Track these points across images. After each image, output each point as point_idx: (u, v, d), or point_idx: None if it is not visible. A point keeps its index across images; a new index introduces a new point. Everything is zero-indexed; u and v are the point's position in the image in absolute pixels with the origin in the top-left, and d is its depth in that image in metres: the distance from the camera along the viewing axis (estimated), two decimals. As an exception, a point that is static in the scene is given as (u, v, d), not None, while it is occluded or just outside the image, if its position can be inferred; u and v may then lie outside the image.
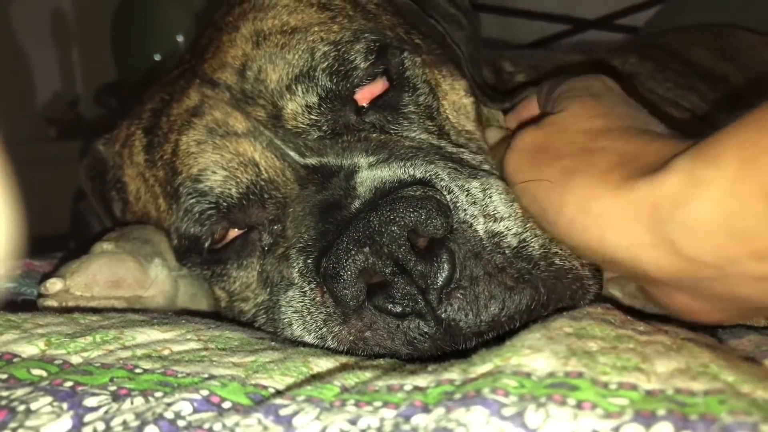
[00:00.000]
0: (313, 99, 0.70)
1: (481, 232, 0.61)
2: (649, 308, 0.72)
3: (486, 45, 1.03)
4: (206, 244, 0.73)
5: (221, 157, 0.71)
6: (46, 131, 3.02)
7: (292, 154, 0.69)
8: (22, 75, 3.07)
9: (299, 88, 0.71)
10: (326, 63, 0.71)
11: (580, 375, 0.40)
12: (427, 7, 0.85)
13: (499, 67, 1.02)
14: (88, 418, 0.42)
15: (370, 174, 0.65)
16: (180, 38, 2.47)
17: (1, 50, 2.97)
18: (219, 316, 0.74)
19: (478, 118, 0.82)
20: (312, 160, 0.68)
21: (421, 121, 0.75)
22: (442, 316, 0.58)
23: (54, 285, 0.63)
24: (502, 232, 0.61)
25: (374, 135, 0.71)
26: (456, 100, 0.80)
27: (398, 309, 0.58)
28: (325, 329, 0.61)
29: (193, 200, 0.71)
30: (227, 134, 0.71)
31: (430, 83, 0.78)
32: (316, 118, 0.71)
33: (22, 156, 2.62)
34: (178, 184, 0.73)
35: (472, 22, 0.90)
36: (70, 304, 0.63)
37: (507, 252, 0.61)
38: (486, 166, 0.72)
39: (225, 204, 0.70)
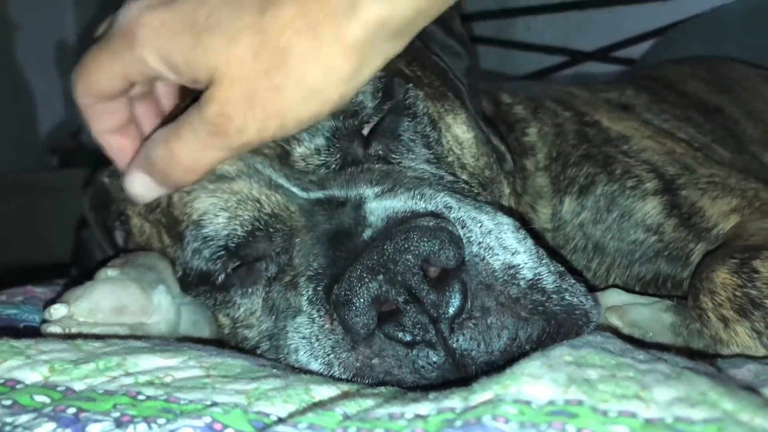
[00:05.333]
0: (320, 141, 0.71)
1: (495, 264, 0.61)
2: (648, 337, 0.72)
3: (484, 77, 1.05)
4: (219, 280, 0.73)
5: (218, 199, 0.71)
6: (48, 160, 3.03)
7: (294, 190, 0.70)
8: (25, 104, 3.09)
9: (303, 134, 0.71)
10: None
11: (579, 403, 0.41)
12: (426, 39, 0.85)
13: (498, 98, 1.03)
14: (91, 444, 0.42)
15: (380, 204, 0.66)
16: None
17: (5, 79, 2.99)
18: (221, 343, 0.74)
19: (483, 152, 0.82)
20: (317, 194, 0.69)
21: (418, 149, 0.76)
22: (453, 345, 0.58)
23: (58, 311, 0.64)
24: (518, 265, 0.62)
25: (377, 166, 0.72)
26: (459, 134, 0.81)
27: (409, 337, 0.58)
28: (332, 356, 0.61)
29: (200, 244, 0.72)
30: (217, 179, 0.71)
31: (432, 116, 0.78)
32: (325, 158, 0.71)
33: (25, 184, 2.63)
34: (182, 229, 0.73)
35: (470, 53, 0.92)
36: (74, 330, 0.63)
37: (522, 284, 0.61)
38: (488, 198, 0.72)
39: (233, 244, 0.71)
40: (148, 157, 0.70)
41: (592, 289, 0.78)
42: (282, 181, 0.70)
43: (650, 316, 0.74)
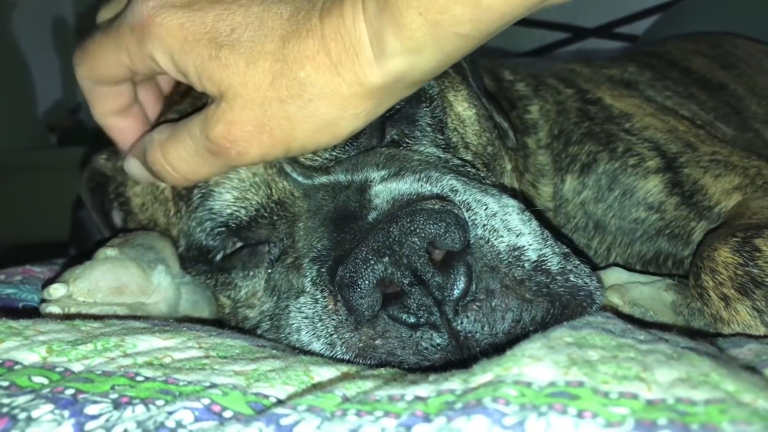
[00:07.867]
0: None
1: (500, 246, 0.61)
2: (648, 316, 0.72)
3: (486, 53, 1.03)
4: (218, 258, 0.73)
5: (235, 173, 0.71)
6: (46, 138, 3.02)
7: (300, 179, 0.69)
8: (23, 82, 3.08)
9: None
10: None
11: (580, 384, 0.40)
12: None
13: (499, 75, 1.02)
14: (89, 426, 0.42)
15: (386, 187, 0.65)
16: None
17: (3, 57, 2.97)
18: (221, 323, 0.74)
19: (486, 127, 0.82)
20: (321, 179, 0.69)
21: (432, 134, 0.75)
22: (458, 328, 0.58)
23: (57, 290, 0.63)
24: (522, 246, 0.62)
25: (384, 149, 0.71)
26: (461, 111, 0.80)
27: (413, 319, 0.58)
28: (335, 336, 0.61)
29: (205, 214, 0.72)
30: None
31: (440, 98, 0.78)
32: (337, 153, 0.70)
33: (23, 163, 2.63)
34: (192, 188, 0.73)
35: None
36: (73, 310, 0.63)
37: (526, 266, 0.61)
38: (493, 180, 0.71)
39: (234, 225, 0.71)
40: (145, 152, 0.71)
41: (593, 268, 0.78)
42: (288, 169, 0.70)
43: (651, 294, 0.74)
